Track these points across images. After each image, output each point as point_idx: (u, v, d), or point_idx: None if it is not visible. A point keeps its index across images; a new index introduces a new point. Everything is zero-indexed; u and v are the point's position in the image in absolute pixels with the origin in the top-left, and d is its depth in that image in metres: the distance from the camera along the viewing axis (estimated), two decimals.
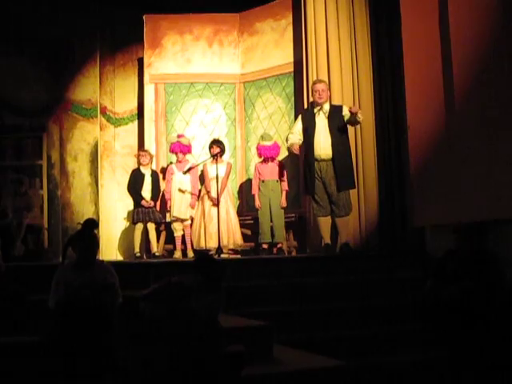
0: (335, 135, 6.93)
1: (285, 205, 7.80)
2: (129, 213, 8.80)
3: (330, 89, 7.28)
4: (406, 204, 7.15)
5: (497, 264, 5.16)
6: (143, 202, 7.96)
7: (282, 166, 7.90)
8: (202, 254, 4.68)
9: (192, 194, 8.00)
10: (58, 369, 3.77)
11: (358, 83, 7.58)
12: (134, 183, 8.12)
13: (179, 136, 8.31)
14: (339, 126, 6.96)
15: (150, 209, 8.00)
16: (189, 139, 8.35)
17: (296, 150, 7.14)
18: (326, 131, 6.96)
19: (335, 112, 7.04)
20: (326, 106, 7.08)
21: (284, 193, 7.83)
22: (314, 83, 7.19)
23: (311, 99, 7.35)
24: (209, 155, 7.89)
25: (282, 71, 8.56)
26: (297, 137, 7.15)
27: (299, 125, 7.19)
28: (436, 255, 6.08)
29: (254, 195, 7.90)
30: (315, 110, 7.11)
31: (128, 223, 9.07)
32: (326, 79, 7.52)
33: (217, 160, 7.60)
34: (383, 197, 7.39)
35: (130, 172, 8.43)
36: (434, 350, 5.04)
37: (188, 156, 8.24)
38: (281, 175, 7.82)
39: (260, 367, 3.80)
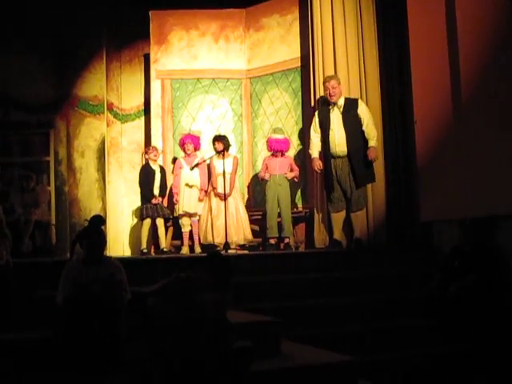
0: (350, 131, 6.87)
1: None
2: (136, 209, 8.81)
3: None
4: (414, 199, 7.13)
5: (504, 258, 5.17)
6: (154, 200, 7.92)
7: (290, 160, 7.89)
8: (213, 252, 4.68)
9: (200, 189, 7.99)
10: (66, 364, 3.79)
11: (364, 78, 7.53)
12: (147, 179, 8.06)
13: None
14: (354, 121, 6.90)
15: (158, 204, 7.98)
16: (199, 131, 8.35)
17: (317, 168, 7.07)
18: (340, 127, 6.91)
19: (350, 107, 6.96)
20: (341, 101, 7.02)
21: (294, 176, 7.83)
22: (325, 81, 7.12)
23: (322, 94, 7.32)
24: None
25: (289, 66, 8.52)
26: (317, 139, 7.07)
27: (316, 120, 7.14)
28: (443, 250, 6.08)
29: (260, 178, 7.91)
30: (330, 106, 7.07)
31: (135, 219, 9.08)
32: (333, 74, 7.50)
33: (223, 155, 7.58)
34: (391, 192, 7.36)
35: (136, 168, 8.39)
36: (442, 345, 5.05)
37: (196, 152, 8.21)
38: (290, 169, 7.79)
39: (268, 362, 3.82)
